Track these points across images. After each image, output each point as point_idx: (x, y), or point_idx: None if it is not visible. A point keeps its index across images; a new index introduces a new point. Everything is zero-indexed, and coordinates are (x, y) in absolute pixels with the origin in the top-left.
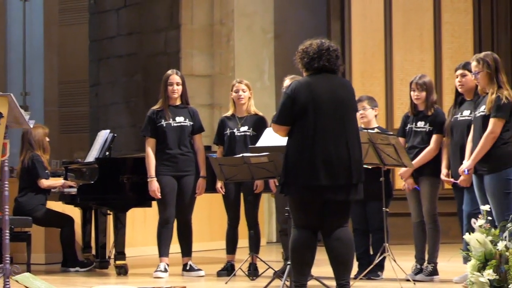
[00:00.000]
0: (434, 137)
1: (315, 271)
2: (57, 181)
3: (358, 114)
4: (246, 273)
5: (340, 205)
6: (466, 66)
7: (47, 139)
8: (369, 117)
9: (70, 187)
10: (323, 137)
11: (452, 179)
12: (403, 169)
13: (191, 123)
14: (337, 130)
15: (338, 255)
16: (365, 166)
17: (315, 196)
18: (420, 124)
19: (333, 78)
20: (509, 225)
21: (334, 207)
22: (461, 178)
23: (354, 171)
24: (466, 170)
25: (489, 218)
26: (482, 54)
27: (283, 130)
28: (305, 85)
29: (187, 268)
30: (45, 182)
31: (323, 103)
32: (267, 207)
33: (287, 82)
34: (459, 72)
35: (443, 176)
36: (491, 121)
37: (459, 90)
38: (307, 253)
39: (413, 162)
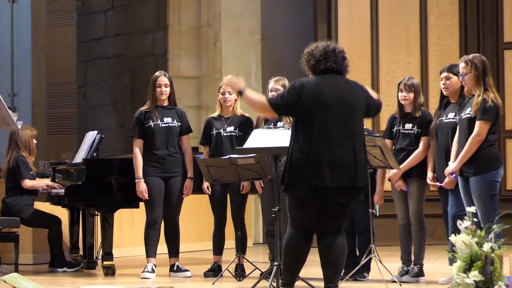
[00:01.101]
0: (422, 140)
1: (302, 272)
2: (40, 182)
3: None
4: (233, 273)
5: (341, 208)
6: (450, 69)
7: (35, 141)
8: None
9: (54, 188)
10: (329, 138)
11: (437, 183)
12: (392, 172)
13: (179, 124)
14: (343, 131)
15: (330, 259)
16: None
17: (319, 196)
18: (408, 126)
19: (341, 79)
20: (494, 226)
21: (334, 210)
22: (446, 180)
23: (359, 173)
24: (453, 174)
25: (475, 219)
26: (470, 56)
27: (272, 114)
28: (313, 84)
29: (174, 268)
30: (27, 182)
31: (329, 104)
32: (253, 208)
33: (271, 84)
34: (444, 74)
35: (429, 180)
36: (477, 123)
37: (444, 92)
38: (301, 253)
39: (403, 165)
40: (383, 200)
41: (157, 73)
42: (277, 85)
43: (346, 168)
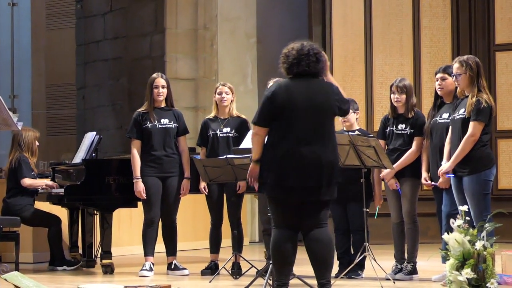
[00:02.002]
0: (415, 140)
1: (297, 270)
2: (39, 181)
3: (340, 118)
4: (230, 272)
5: (315, 205)
6: (446, 70)
7: (37, 143)
8: (352, 121)
9: (53, 188)
10: (297, 139)
11: (432, 183)
12: (385, 172)
13: (176, 125)
14: (311, 133)
15: (317, 255)
16: (346, 167)
17: (288, 196)
18: (401, 126)
19: (314, 82)
20: (486, 225)
21: (309, 207)
22: (440, 180)
23: (325, 173)
24: (452, 174)
25: (467, 218)
26: (465, 57)
27: (262, 131)
28: (284, 87)
29: (172, 267)
30: (27, 181)
31: (298, 106)
32: (249, 207)
33: (271, 85)
34: (439, 75)
35: (423, 180)
36: (472, 124)
37: (439, 93)
38: (288, 253)
39: (395, 164)
40: (382, 200)
41: (154, 75)
42: None
43: (312, 168)
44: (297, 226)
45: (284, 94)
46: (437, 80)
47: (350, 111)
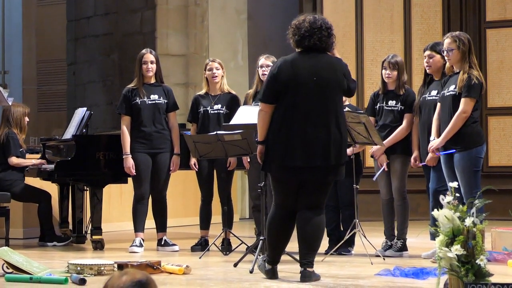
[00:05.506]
0: (406, 116)
1: (288, 246)
2: (27, 160)
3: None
4: (220, 248)
5: (318, 185)
6: (434, 48)
7: (27, 119)
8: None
9: (42, 164)
10: (302, 117)
11: (419, 164)
12: (375, 148)
13: (166, 101)
14: (317, 110)
15: (305, 234)
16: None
17: (292, 176)
18: (392, 103)
19: (322, 57)
20: (476, 201)
21: (311, 187)
22: (428, 157)
23: (333, 152)
24: (441, 151)
25: (457, 195)
26: (456, 32)
27: (268, 108)
28: (290, 63)
29: (162, 243)
30: (14, 160)
31: (304, 82)
32: (240, 184)
33: (262, 60)
34: (427, 53)
35: (412, 160)
36: (463, 100)
37: (427, 71)
38: (283, 230)
39: (386, 140)
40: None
41: (143, 51)
42: (268, 61)
43: (319, 147)
44: (295, 207)
45: (290, 70)
46: (425, 58)
47: None
